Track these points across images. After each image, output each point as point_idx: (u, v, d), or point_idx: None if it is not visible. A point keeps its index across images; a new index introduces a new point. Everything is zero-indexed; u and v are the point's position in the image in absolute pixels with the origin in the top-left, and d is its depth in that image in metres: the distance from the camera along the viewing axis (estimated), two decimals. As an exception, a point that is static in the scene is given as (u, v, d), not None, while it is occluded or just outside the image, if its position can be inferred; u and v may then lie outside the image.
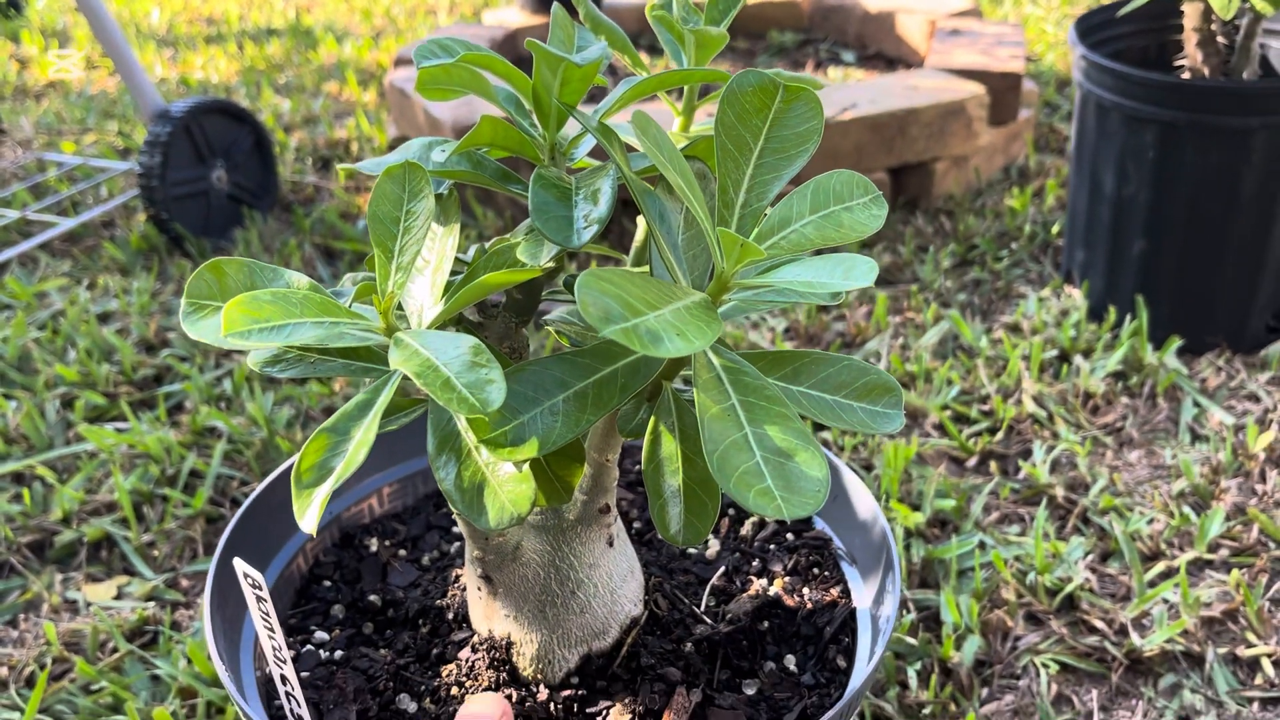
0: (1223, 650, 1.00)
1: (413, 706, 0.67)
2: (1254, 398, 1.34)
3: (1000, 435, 1.28)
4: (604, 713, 0.61)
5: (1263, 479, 1.19)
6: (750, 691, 0.65)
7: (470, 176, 0.55)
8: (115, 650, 1.04)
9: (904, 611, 1.04)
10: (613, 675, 0.62)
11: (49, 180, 2.02)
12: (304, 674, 0.72)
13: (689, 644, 0.64)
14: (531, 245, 0.52)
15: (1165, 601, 1.04)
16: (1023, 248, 1.70)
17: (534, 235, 0.54)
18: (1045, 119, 2.19)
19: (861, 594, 0.72)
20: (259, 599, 0.58)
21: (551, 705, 0.62)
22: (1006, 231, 1.76)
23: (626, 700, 0.61)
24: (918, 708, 0.94)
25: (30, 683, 1.01)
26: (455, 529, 0.85)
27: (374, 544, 0.83)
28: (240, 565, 0.57)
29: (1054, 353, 1.41)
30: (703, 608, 0.69)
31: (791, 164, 0.50)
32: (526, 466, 0.49)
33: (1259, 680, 0.97)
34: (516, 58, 2.39)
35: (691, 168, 0.55)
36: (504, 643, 0.64)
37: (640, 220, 0.63)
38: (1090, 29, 1.50)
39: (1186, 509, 1.15)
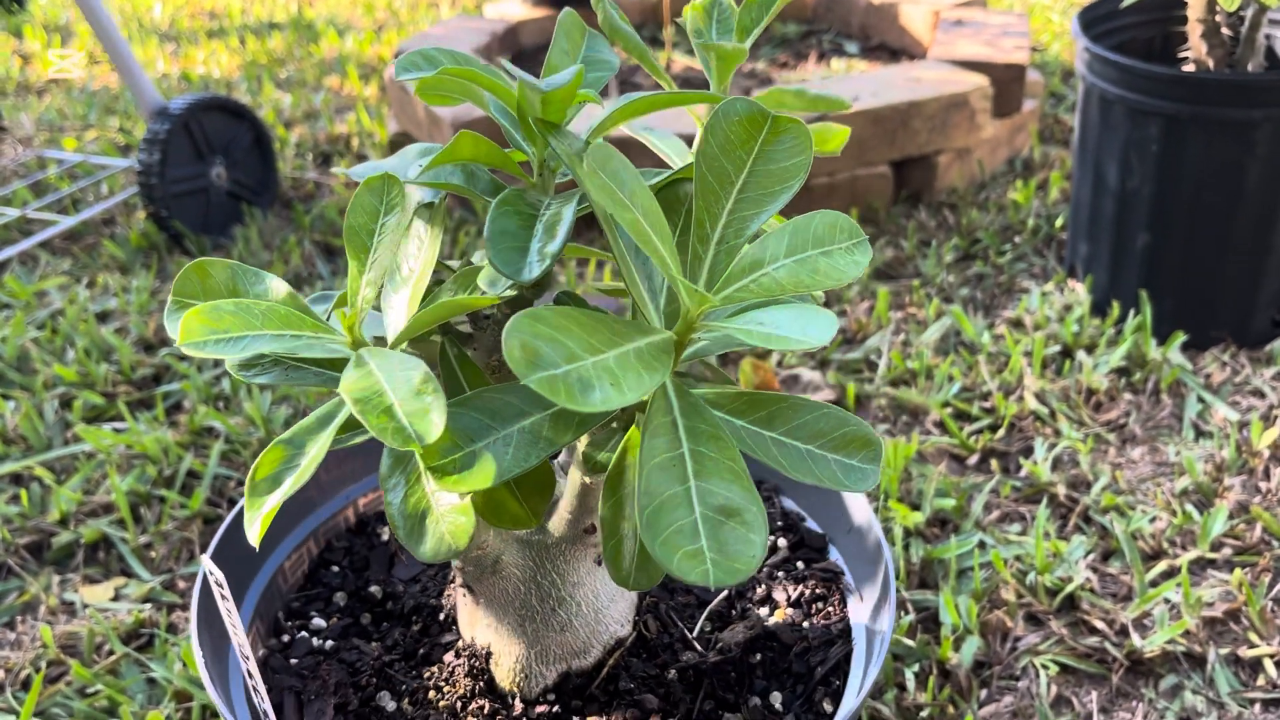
0: (1225, 651, 0.99)
1: (391, 705, 0.67)
2: (1259, 393, 1.33)
3: (1001, 432, 1.27)
4: None
5: (1267, 476, 1.18)
6: None
7: (459, 190, 0.54)
8: (111, 653, 1.03)
9: (902, 613, 1.03)
10: (590, 696, 0.61)
11: (49, 178, 2.02)
12: (294, 661, 0.72)
13: (673, 671, 0.62)
14: (492, 271, 0.51)
15: (1167, 601, 1.03)
16: (1026, 241, 1.69)
17: None
18: (1050, 110, 2.17)
19: (862, 636, 0.69)
20: (222, 597, 0.58)
21: None
22: (1010, 225, 1.75)
23: None
24: (915, 710, 0.93)
25: (26, 685, 1.01)
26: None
27: (386, 533, 0.83)
28: (206, 563, 0.57)
29: (1056, 348, 1.40)
30: (695, 633, 0.67)
31: (775, 200, 0.48)
32: (469, 499, 0.48)
33: (1261, 681, 0.96)
34: (519, 51, 2.38)
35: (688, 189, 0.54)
36: (484, 652, 0.64)
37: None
38: (1093, 21, 1.49)
39: (1189, 507, 1.14)
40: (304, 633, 0.75)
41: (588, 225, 1.72)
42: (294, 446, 0.47)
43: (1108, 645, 0.99)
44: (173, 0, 3.50)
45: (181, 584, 1.12)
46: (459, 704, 0.64)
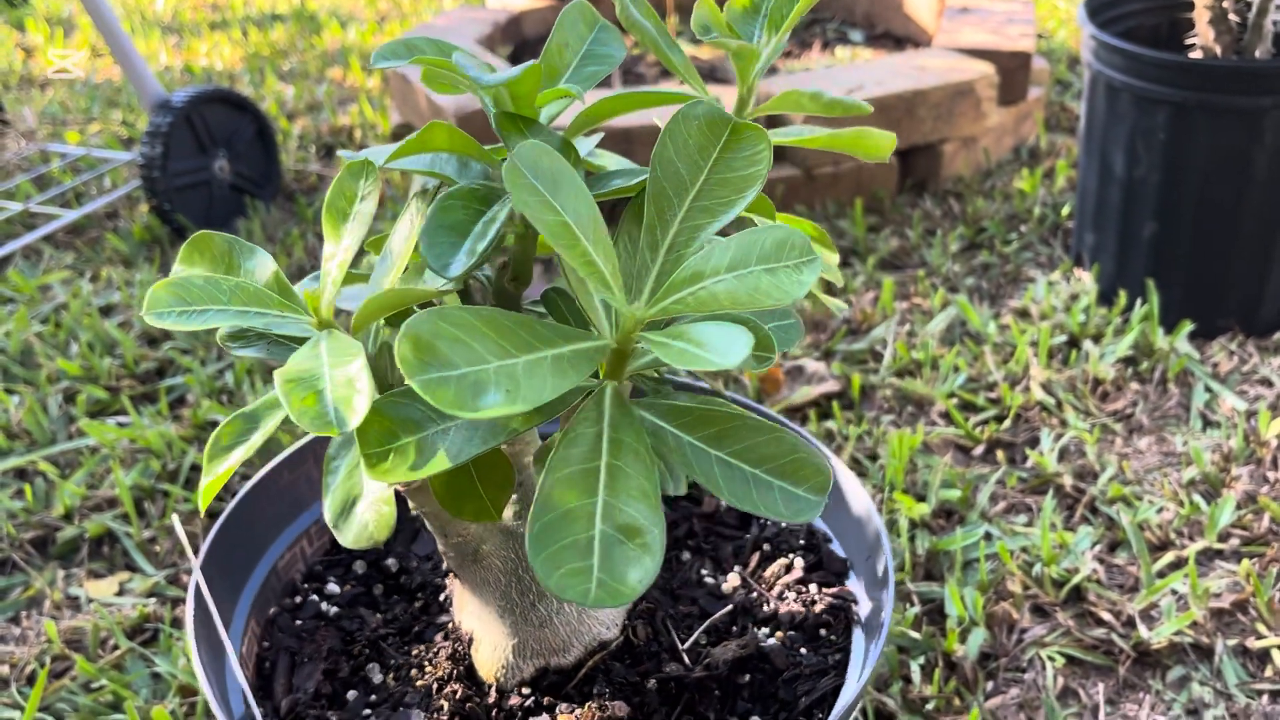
0: (1232, 642, 0.98)
1: (378, 677, 0.67)
2: (1267, 382, 1.32)
3: (1007, 423, 1.26)
4: None
5: (1275, 466, 1.18)
6: None
7: (447, 179, 0.53)
8: (116, 648, 1.03)
9: (907, 605, 1.02)
10: (566, 695, 0.60)
11: (52, 171, 2.02)
12: (298, 623, 0.73)
13: (653, 680, 0.60)
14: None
15: (1174, 592, 1.02)
16: (1032, 230, 1.68)
17: None
18: (1057, 97, 2.16)
19: (858, 671, 0.65)
20: (193, 550, 0.58)
21: (494, 711, 0.61)
22: (1016, 214, 1.74)
23: None
24: (921, 702, 0.93)
25: (31, 681, 1.01)
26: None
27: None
28: (175, 519, 0.57)
29: (1063, 338, 1.39)
30: (688, 644, 0.65)
31: (729, 209, 0.46)
32: (391, 491, 0.48)
33: (1269, 672, 0.96)
34: (522, 41, 2.37)
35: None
36: (468, 638, 0.64)
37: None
38: (1100, 7, 1.48)
39: (1196, 497, 1.13)
40: (315, 596, 0.76)
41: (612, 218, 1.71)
42: (250, 421, 0.48)
43: (1114, 637, 0.99)
44: (175, -8, 3.49)
45: (185, 578, 1.12)
46: (436, 685, 0.64)
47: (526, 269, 0.55)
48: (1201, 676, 0.96)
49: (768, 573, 0.73)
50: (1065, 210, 1.70)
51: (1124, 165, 1.40)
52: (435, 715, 0.61)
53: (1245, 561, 1.03)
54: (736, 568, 0.74)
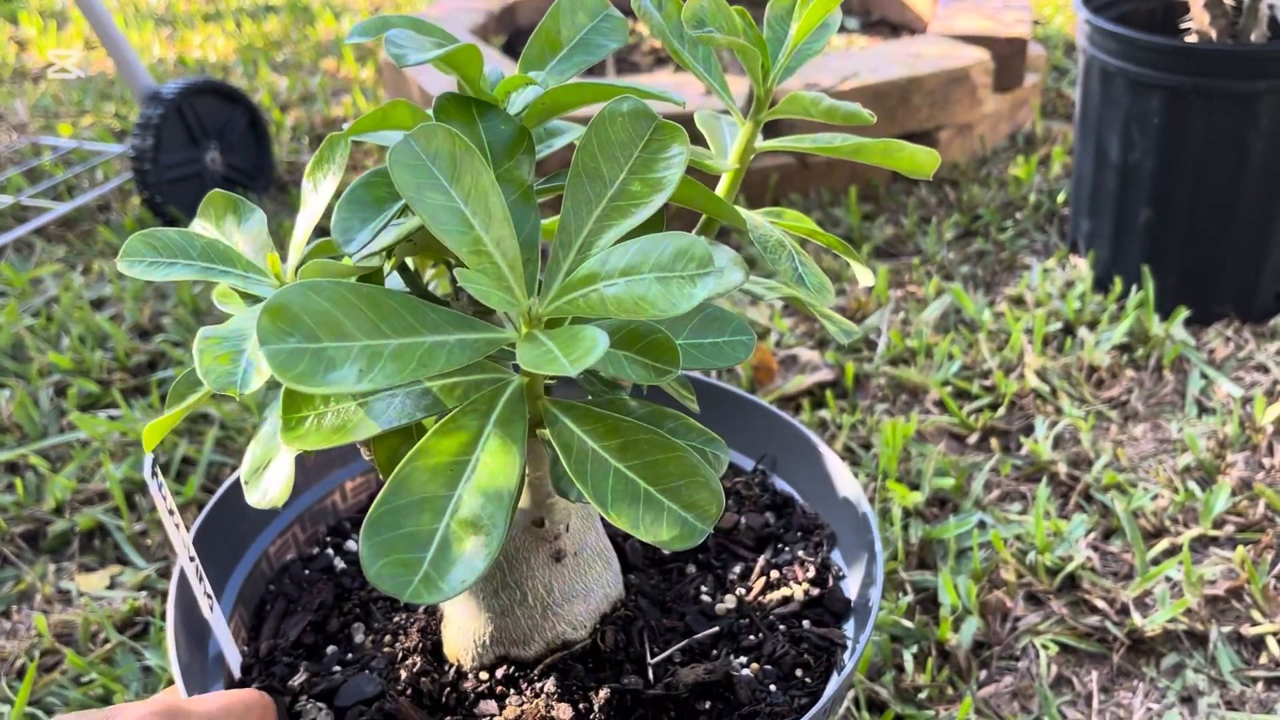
0: (1227, 629, 0.98)
1: (360, 638, 0.67)
2: (1262, 368, 1.31)
3: (1002, 411, 1.26)
4: (489, 718, 0.59)
5: (1270, 452, 1.17)
6: None
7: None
8: (107, 641, 1.03)
9: (900, 594, 1.02)
10: (520, 689, 0.60)
11: (44, 164, 2.01)
12: (307, 572, 0.73)
13: (605, 690, 0.59)
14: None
15: (1168, 580, 1.02)
16: (1028, 217, 1.67)
17: None
18: (1053, 84, 2.15)
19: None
20: (163, 495, 0.58)
21: (448, 690, 0.60)
22: (1011, 201, 1.73)
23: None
24: (914, 691, 0.93)
25: (22, 675, 1.00)
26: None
27: None
28: (148, 463, 0.57)
29: (1058, 325, 1.39)
30: (657, 660, 0.62)
31: (641, 209, 0.45)
32: (292, 462, 0.48)
33: (1264, 659, 0.95)
34: (516, 30, 2.36)
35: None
36: (440, 614, 0.64)
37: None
38: (1094, -8, 1.47)
39: (1191, 484, 1.12)
40: (331, 550, 0.76)
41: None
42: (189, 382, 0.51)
43: (1108, 624, 0.98)
44: (169, -16, 3.48)
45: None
46: (401, 653, 0.63)
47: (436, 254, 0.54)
48: (1196, 664, 0.95)
49: (766, 600, 0.70)
50: (1061, 197, 1.70)
51: (1119, 151, 1.39)
52: (390, 684, 0.61)
53: (1240, 548, 1.02)
54: (739, 590, 0.72)
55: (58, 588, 1.10)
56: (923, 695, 0.92)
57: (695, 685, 0.60)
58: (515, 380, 0.47)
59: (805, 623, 0.68)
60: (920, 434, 1.23)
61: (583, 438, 0.45)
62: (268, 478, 0.50)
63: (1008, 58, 1.88)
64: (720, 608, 0.69)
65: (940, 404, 1.28)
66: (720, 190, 0.59)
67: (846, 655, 0.65)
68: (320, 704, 0.62)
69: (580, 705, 0.58)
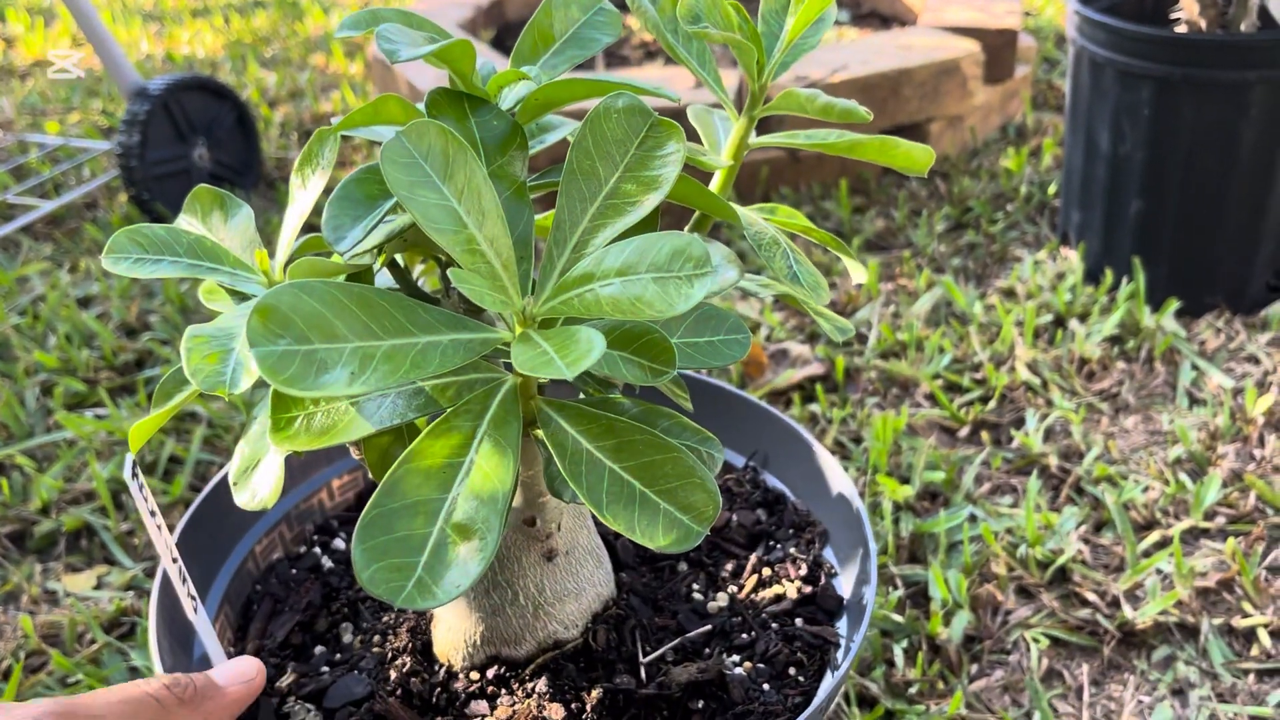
0: (1218, 621, 0.97)
1: (349, 638, 0.67)
2: (1254, 359, 1.31)
3: (993, 404, 1.25)
4: (480, 718, 0.58)
5: (1261, 444, 1.17)
6: None
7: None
8: (93, 642, 1.02)
9: (890, 588, 1.02)
10: (512, 688, 0.59)
11: (30, 162, 2.00)
12: (294, 572, 0.73)
13: (597, 689, 0.58)
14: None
15: (1159, 572, 1.02)
16: (1019, 209, 1.67)
17: None
18: (1044, 75, 2.15)
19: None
20: (143, 496, 0.57)
21: (438, 690, 0.60)
22: (1002, 193, 1.72)
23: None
24: (904, 686, 0.92)
25: (7, 676, 1.00)
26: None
27: None
28: (128, 463, 0.57)
29: (1049, 318, 1.38)
30: (649, 659, 0.62)
31: (637, 207, 0.45)
32: (281, 462, 0.48)
33: (1255, 651, 0.95)
34: (504, 24, 2.35)
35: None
36: (430, 614, 0.63)
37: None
38: (1084, -18, 1.46)
39: (1182, 476, 1.12)
40: (318, 549, 0.75)
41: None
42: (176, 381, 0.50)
43: (1099, 617, 0.98)
44: (156, -20, 3.46)
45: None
46: (391, 654, 0.63)
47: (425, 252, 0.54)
48: (1187, 656, 0.95)
49: (759, 597, 0.70)
50: (1051, 189, 1.69)
51: (1109, 142, 1.39)
52: (380, 685, 0.61)
53: (1231, 540, 1.02)
54: (732, 588, 0.72)
55: (44, 588, 1.09)
56: (913, 690, 0.92)
57: (688, 684, 0.60)
58: (509, 380, 0.46)
59: (798, 621, 0.68)
60: (911, 427, 1.23)
61: (577, 438, 0.45)
62: (256, 479, 0.49)
63: (998, 49, 1.87)
64: (712, 606, 0.69)
65: (931, 397, 1.28)
66: (715, 186, 0.58)
67: (840, 654, 0.64)
68: (309, 705, 0.61)
69: (572, 705, 0.57)
